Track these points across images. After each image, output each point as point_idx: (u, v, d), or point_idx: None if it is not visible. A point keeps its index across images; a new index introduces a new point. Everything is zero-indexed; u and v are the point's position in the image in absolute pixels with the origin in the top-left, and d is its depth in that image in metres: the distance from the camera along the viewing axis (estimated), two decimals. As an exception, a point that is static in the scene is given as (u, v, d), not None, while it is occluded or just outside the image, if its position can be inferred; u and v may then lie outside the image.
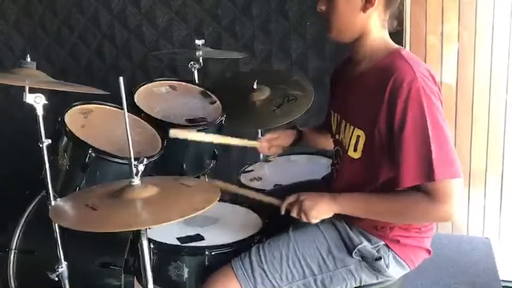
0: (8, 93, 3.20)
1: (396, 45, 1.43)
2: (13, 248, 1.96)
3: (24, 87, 1.45)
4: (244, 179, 2.14)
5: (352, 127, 1.42)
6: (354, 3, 1.37)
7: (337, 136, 1.52)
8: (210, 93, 2.21)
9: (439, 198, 1.27)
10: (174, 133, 1.69)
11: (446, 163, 1.26)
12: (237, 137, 1.81)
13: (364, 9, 1.37)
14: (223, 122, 2.06)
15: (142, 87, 2.11)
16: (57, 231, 1.62)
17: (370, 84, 1.37)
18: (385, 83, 1.30)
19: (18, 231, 1.98)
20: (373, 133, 1.35)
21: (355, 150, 1.41)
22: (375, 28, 1.41)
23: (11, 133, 3.28)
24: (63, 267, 1.67)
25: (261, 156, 2.39)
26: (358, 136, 1.39)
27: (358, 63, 1.46)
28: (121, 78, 1.21)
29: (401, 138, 1.27)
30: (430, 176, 1.25)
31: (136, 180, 1.25)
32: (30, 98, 1.47)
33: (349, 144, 1.42)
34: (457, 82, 2.48)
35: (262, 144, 1.83)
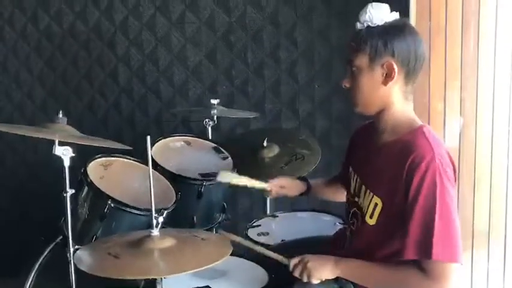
0: (25, 141, 3.29)
1: (420, 122, 1.47)
2: (25, 292, 2.01)
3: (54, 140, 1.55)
4: (251, 233, 2.16)
5: (371, 194, 1.46)
6: (375, 78, 1.43)
7: (356, 198, 1.55)
8: (222, 149, 2.31)
9: (434, 277, 1.31)
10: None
11: (446, 245, 1.30)
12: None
13: (385, 82, 1.43)
14: (233, 177, 2.15)
15: (158, 142, 2.22)
16: (73, 277, 1.67)
17: (391, 158, 1.42)
18: (405, 159, 1.35)
19: (31, 277, 2.03)
20: (390, 204, 1.40)
21: (371, 217, 1.45)
22: (397, 100, 1.46)
23: (26, 180, 3.32)
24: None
25: (268, 211, 2.45)
26: (376, 204, 1.43)
27: (381, 133, 1.50)
28: (148, 138, 1.28)
29: (411, 213, 1.33)
30: (428, 254, 1.30)
31: (155, 231, 1.33)
32: (59, 151, 1.56)
33: (367, 210, 1.47)
34: (459, 146, 2.53)
35: (271, 188, 1.90)
